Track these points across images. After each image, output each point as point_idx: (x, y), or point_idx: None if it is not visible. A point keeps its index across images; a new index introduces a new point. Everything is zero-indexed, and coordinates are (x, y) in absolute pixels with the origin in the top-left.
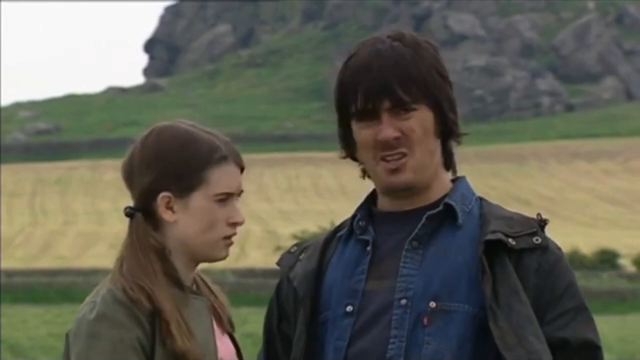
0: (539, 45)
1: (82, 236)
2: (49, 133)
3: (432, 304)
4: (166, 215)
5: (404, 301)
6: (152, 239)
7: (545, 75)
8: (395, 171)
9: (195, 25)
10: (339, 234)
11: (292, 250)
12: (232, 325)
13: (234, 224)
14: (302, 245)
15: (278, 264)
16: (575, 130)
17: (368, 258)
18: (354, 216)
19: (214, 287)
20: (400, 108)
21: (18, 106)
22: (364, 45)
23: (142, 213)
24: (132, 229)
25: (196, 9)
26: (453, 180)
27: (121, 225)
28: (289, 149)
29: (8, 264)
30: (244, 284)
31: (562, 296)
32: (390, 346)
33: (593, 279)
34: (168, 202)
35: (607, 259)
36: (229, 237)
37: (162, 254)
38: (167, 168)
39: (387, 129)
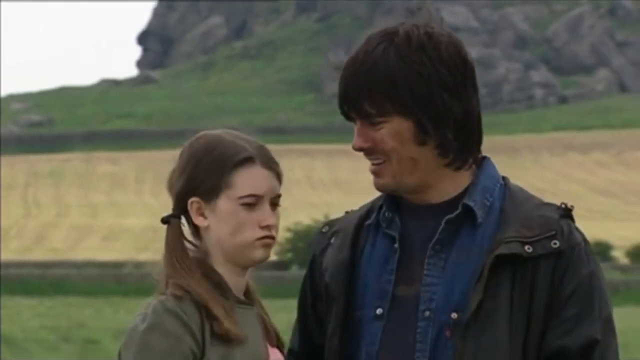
0: (532, 37)
1: (76, 228)
2: (42, 125)
3: (454, 315)
4: (198, 221)
5: (427, 313)
6: (189, 243)
7: (538, 67)
8: (375, 174)
9: (188, 17)
10: (366, 223)
11: (323, 230)
12: (279, 338)
13: (266, 227)
14: (332, 227)
15: (309, 245)
16: (569, 122)
17: (396, 257)
18: (380, 206)
19: (260, 301)
20: (367, 120)
21: (11, 98)
22: (358, 44)
23: (185, 220)
24: (166, 237)
25: (189, 1)
26: (478, 163)
27: (114, 218)
28: (283, 141)
29: (1, 255)
30: None
31: (569, 299)
32: None
33: None
34: (198, 208)
35: (600, 251)
36: (263, 239)
37: (202, 262)
38: (194, 172)
39: (357, 139)
